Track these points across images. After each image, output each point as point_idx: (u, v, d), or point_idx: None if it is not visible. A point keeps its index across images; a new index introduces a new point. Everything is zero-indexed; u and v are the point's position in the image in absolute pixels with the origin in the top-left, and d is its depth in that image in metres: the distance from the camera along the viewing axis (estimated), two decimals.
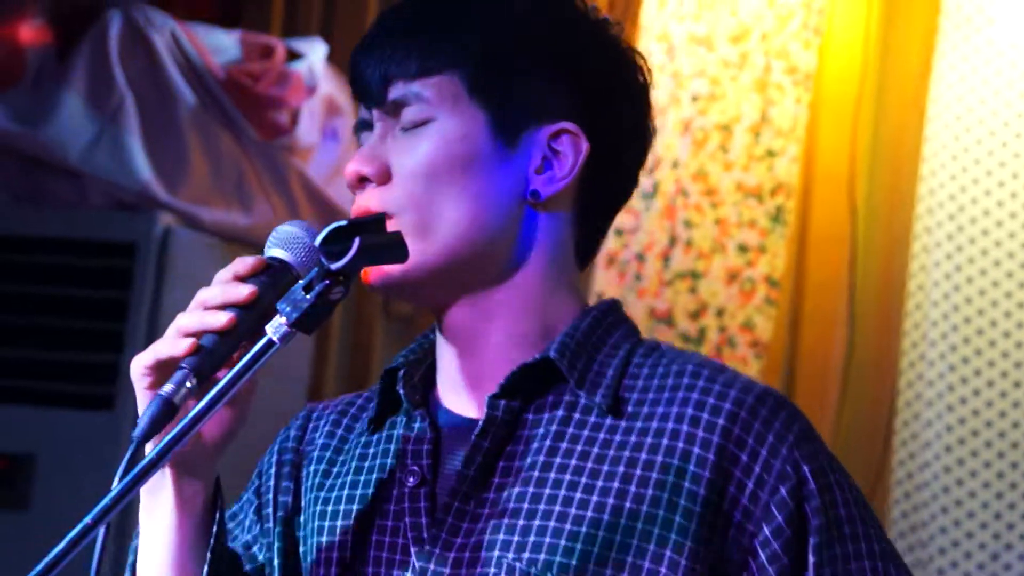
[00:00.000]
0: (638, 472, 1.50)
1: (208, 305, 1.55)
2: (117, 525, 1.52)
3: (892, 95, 3.64)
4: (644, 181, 3.74)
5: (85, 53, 3.53)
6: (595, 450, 1.52)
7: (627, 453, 1.51)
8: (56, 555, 1.43)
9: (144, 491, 1.59)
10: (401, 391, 1.61)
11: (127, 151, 3.50)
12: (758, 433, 1.52)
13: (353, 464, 1.64)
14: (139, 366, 1.56)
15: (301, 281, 1.51)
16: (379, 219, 1.53)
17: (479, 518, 1.52)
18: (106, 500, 1.46)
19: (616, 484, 1.50)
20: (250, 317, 1.53)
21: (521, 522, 1.50)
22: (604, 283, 3.75)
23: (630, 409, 1.54)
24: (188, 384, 1.51)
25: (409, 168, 1.55)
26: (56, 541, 1.44)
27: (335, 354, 4.14)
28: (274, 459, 1.72)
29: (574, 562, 1.47)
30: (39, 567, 1.43)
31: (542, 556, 1.48)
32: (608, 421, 1.53)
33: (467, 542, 1.52)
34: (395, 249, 1.52)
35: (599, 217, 1.64)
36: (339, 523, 1.61)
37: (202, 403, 1.50)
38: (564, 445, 1.53)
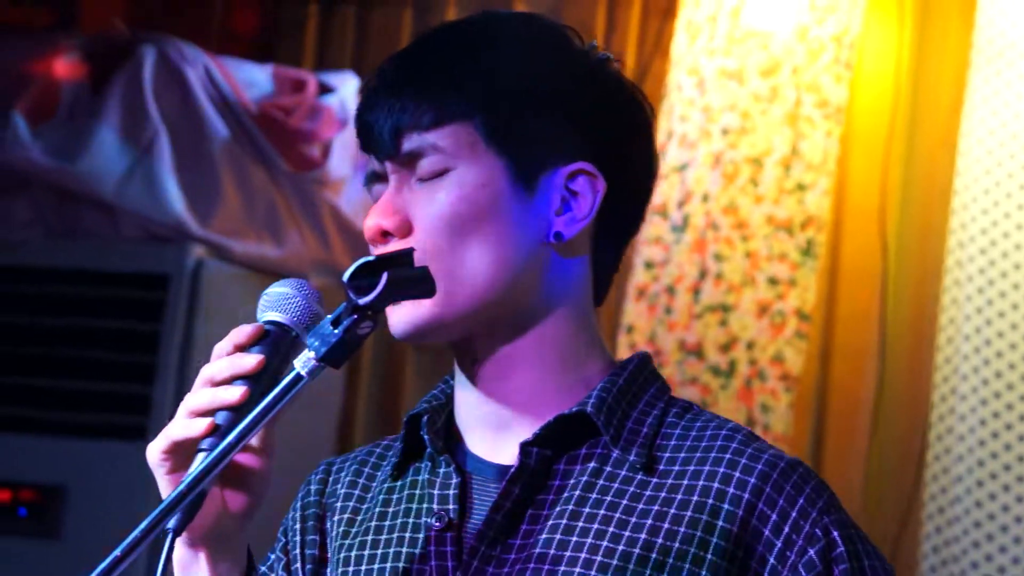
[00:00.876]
0: (666, 525, 1.50)
1: (216, 380, 1.54)
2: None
3: (923, 129, 3.64)
4: (674, 214, 3.74)
5: (119, 87, 3.55)
6: (624, 501, 1.51)
7: (656, 507, 1.51)
8: None
9: (178, 570, 1.59)
10: (426, 436, 1.61)
11: (160, 184, 3.52)
12: (788, 495, 1.51)
13: (377, 511, 1.63)
14: (155, 452, 1.56)
15: (329, 316, 1.52)
16: (407, 253, 1.53)
17: (505, 563, 1.52)
18: (136, 532, 1.46)
19: (644, 535, 1.49)
20: (260, 386, 1.53)
21: (547, 567, 1.50)
22: (634, 316, 3.76)
23: (662, 467, 1.53)
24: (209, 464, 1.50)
25: (431, 219, 1.55)
26: (87, 572, 1.44)
27: (366, 386, 4.15)
28: (298, 515, 1.72)
29: None
30: None
31: None
32: (640, 477, 1.53)
33: None
34: (422, 283, 1.52)
35: (612, 254, 1.63)
36: (363, 568, 1.60)
37: (230, 437, 1.50)
38: (594, 496, 1.52)
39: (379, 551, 1.60)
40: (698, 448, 1.54)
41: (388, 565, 1.58)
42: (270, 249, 3.65)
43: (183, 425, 1.54)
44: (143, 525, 1.47)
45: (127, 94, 3.54)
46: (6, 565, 3.47)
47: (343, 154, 3.73)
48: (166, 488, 1.55)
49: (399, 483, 1.63)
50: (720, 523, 1.49)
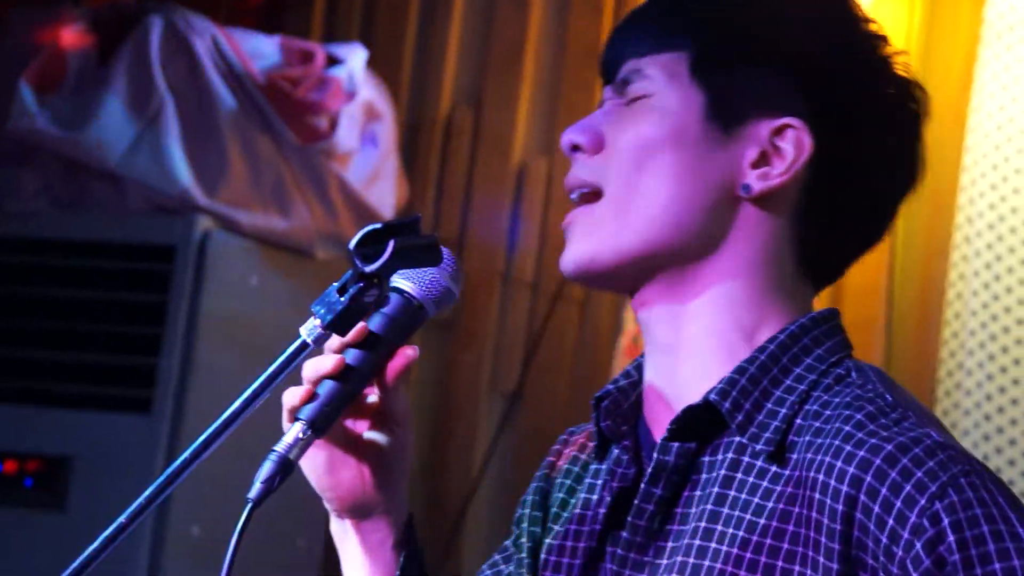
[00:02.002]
0: (774, 524, 1.41)
1: (330, 348, 1.52)
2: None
3: (933, 103, 3.63)
4: None
5: (126, 58, 3.54)
6: (755, 500, 1.43)
7: (776, 504, 1.42)
8: (90, 554, 1.44)
9: (336, 541, 1.59)
10: (601, 424, 1.54)
11: (167, 155, 3.51)
12: (894, 483, 1.37)
13: (582, 496, 1.58)
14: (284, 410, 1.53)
15: (335, 284, 1.52)
16: (414, 221, 1.52)
17: (657, 569, 1.45)
18: (141, 499, 1.46)
19: (769, 540, 1.41)
20: (370, 357, 1.51)
21: None
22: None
23: (793, 456, 1.43)
24: (301, 436, 1.48)
25: (620, 140, 1.51)
26: (92, 543, 1.44)
27: None
28: (531, 487, 1.65)
29: None
30: (73, 565, 1.43)
31: None
32: (773, 468, 1.43)
33: None
34: (430, 251, 1.52)
35: (831, 233, 1.52)
36: (552, 558, 1.56)
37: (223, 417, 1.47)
38: (731, 493, 1.44)
39: (567, 542, 1.55)
40: (821, 432, 1.42)
41: (565, 560, 1.54)
42: (277, 221, 3.65)
43: (291, 391, 1.52)
44: (148, 492, 1.47)
45: (134, 64, 3.54)
46: (12, 536, 3.47)
47: (350, 126, 3.72)
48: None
49: (604, 466, 1.57)
50: (826, 521, 1.38)
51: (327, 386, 1.50)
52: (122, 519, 1.46)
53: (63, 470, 3.49)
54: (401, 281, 1.54)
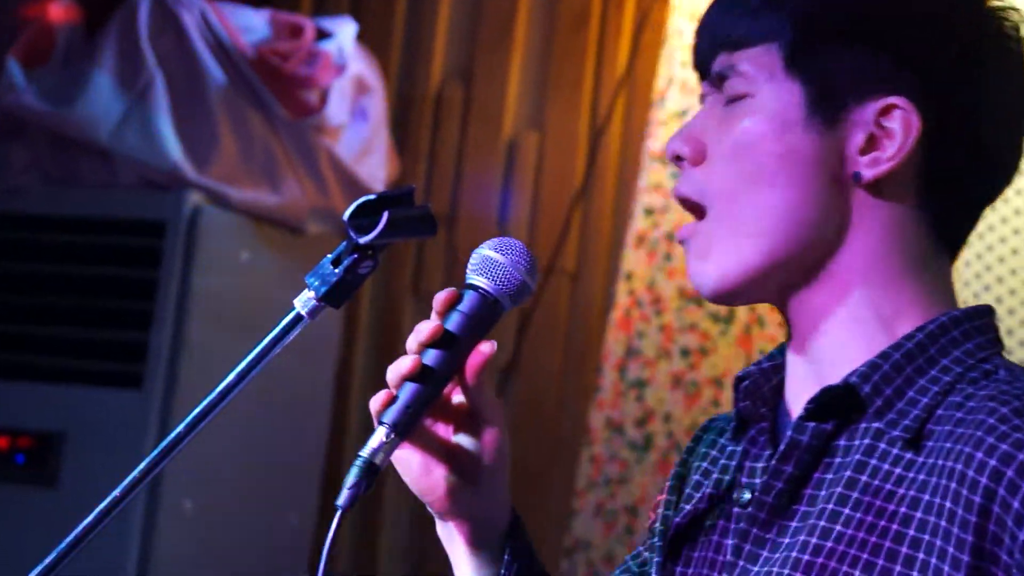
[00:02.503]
0: (918, 514, 1.37)
1: (409, 349, 1.50)
2: None
3: None
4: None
5: (114, 32, 3.53)
6: (887, 486, 1.40)
7: (913, 492, 1.38)
8: (84, 528, 1.44)
9: (444, 543, 1.57)
10: (739, 404, 1.52)
11: (156, 130, 3.50)
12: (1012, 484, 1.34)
13: (715, 476, 1.55)
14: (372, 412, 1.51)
15: (329, 255, 1.51)
16: (408, 192, 1.51)
17: (779, 547, 1.43)
18: (135, 472, 1.46)
19: (895, 526, 1.38)
20: (448, 356, 1.49)
21: (806, 558, 1.40)
22: (633, 263, 3.75)
23: (930, 444, 1.39)
24: (385, 440, 1.46)
25: (721, 149, 1.46)
26: (84, 518, 1.44)
27: (363, 333, 4.14)
28: (671, 473, 1.63)
29: None
30: (68, 538, 1.43)
31: None
32: (908, 456, 1.40)
33: (761, 571, 1.43)
34: (424, 222, 1.51)
35: (958, 200, 1.47)
36: (680, 534, 1.54)
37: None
38: (863, 479, 1.41)
39: (699, 521, 1.54)
40: (963, 422, 1.38)
41: (697, 532, 1.53)
42: (267, 196, 3.64)
43: (376, 395, 1.50)
44: (142, 465, 1.46)
45: (122, 39, 3.52)
46: (4, 512, 3.47)
47: (341, 100, 3.71)
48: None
49: (740, 447, 1.54)
50: (960, 511, 1.35)
51: (407, 388, 1.48)
52: (116, 493, 1.45)
53: (54, 446, 3.49)
54: (476, 277, 1.52)
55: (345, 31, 3.76)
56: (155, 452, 1.47)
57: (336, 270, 1.49)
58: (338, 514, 1.44)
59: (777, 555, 1.43)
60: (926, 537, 1.37)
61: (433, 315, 1.51)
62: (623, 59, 4.01)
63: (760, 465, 1.48)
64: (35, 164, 3.60)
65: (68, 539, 1.44)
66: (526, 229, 4.07)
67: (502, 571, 1.55)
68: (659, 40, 3.86)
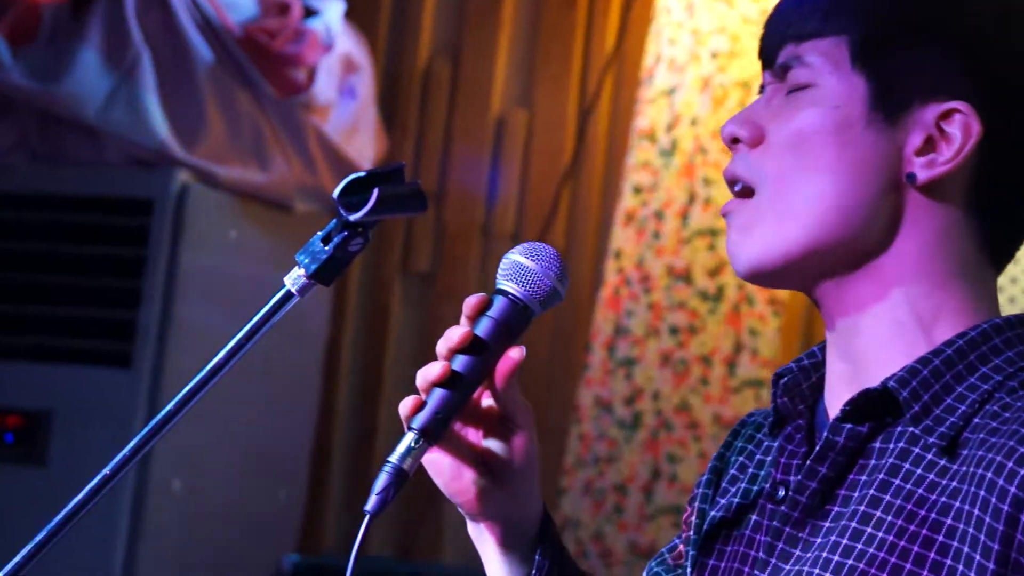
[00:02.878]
0: (945, 520, 1.37)
1: (440, 355, 1.50)
2: None
3: None
4: (663, 139, 3.72)
5: (101, 9, 3.52)
6: (919, 491, 1.40)
7: (944, 498, 1.38)
8: (74, 506, 1.43)
9: (475, 543, 1.57)
10: (778, 400, 1.52)
11: (144, 108, 3.49)
12: None
13: (751, 471, 1.56)
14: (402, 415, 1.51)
15: (320, 233, 1.50)
16: (398, 169, 1.50)
17: (810, 547, 1.43)
18: (125, 451, 1.45)
19: (924, 531, 1.37)
20: (477, 362, 1.48)
21: (836, 559, 1.40)
22: (622, 241, 3.74)
23: (965, 452, 1.39)
24: (414, 445, 1.45)
25: (779, 134, 1.46)
26: (72, 497, 1.43)
27: (352, 312, 4.14)
28: (708, 467, 1.63)
29: None
30: (58, 517, 1.42)
31: None
32: (942, 462, 1.40)
33: (792, 570, 1.43)
34: (414, 199, 1.50)
35: (1010, 213, 1.47)
36: (714, 529, 1.54)
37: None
38: (896, 482, 1.41)
39: (728, 515, 1.54)
40: (997, 431, 1.37)
41: (731, 528, 1.53)
42: (255, 174, 3.63)
43: (402, 404, 1.49)
44: (132, 443, 1.46)
45: (109, 16, 3.51)
46: None
47: (328, 78, 3.71)
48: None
49: (776, 443, 1.53)
50: (988, 519, 1.35)
51: (436, 394, 1.47)
52: (106, 471, 1.44)
53: (43, 424, 3.48)
54: (506, 283, 1.51)
55: (333, 9, 3.75)
56: (145, 430, 1.46)
57: (326, 248, 1.48)
58: (366, 520, 1.44)
59: (809, 555, 1.43)
60: (954, 544, 1.37)
61: (463, 320, 1.51)
62: (611, 37, 4.01)
63: (796, 463, 1.48)
64: (22, 142, 3.59)
65: (58, 517, 1.43)
66: (514, 207, 4.07)
67: (533, 571, 1.55)
68: (647, 18, 3.86)
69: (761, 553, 1.47)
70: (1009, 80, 1.46)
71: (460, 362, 1.48)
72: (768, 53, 1.51)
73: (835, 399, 1.49)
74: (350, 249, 1.49)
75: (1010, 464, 1.35)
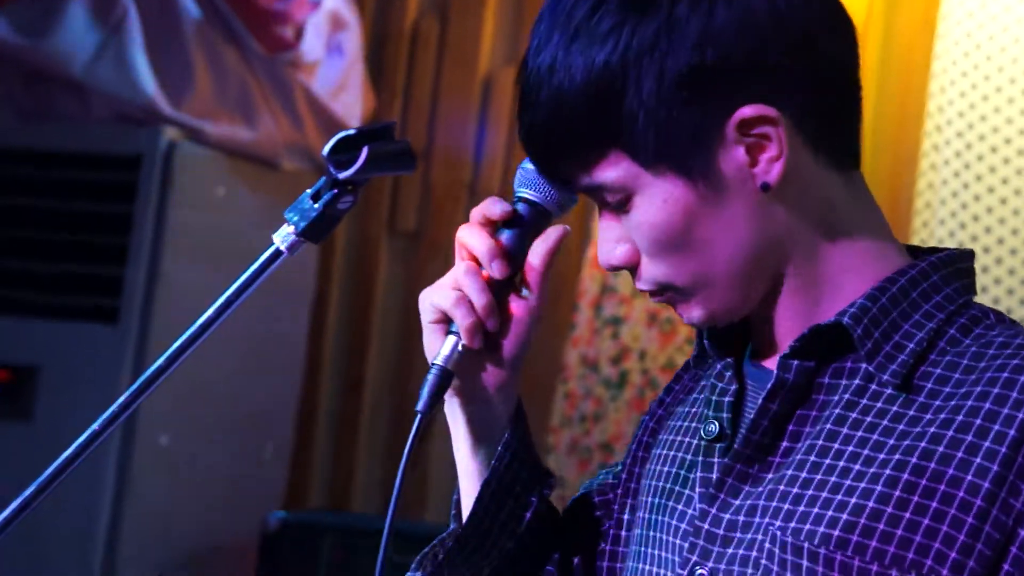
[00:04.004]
0: (922, 445, 1.40)
1: (479, 255, 1.54)
2: None
3: (902, 10, 3.61)
4: None
5: None
6: (884, 422, 1.43)
7: (918, 429, 1.41)
8: (63, 460, 1.44)
9: (448, 418, 1.60)
10: (705, 341, 1.57)
11: (131, 64, 3.48)
12: None
13: (686, 409, 1.61)
14: (424, 301, 1.55)
15: (309, 191, 1.51)
16: (388, 127, 1.51)
17: (761, 482, 1.47)
18: (115, 407, 1.46)
19: (897, 456, 1.40)
20: (511, 266, 1.54)
21: (795, 491, 1.44)
22: None
23: (929, 386, 1.43)
24: (460, 349, 1.52)
25: (646, 247, 1.50)
26: (59, 452, 1.44)
27: (339, 270, 4.15)
28: (652, 403, 1.68)
29: (836, 532, 1.40)
30: (47, 471, 1.43)
31: (806, 526, 1.41)
32: (903, 396, 1.44)
33: (743, 504, 1.47)
34: (403, 157, 1.51)
35: (837, 129, 1.50)
36: (651, 467, 1.59)
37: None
38: (853, 415, 1.44)
39: (668, 453, 1.58)
40: (974, 369, 1.43)
41: (666, 469, 1.57)
42: (243, 131, 3.63)
43: (445, 297, 1.54)
44: (122, 399, 1.46)
45: None
46: None
47: (316, 35, 3.70)
48: (426, 335, 1.55)
49: (703, 383, 1.60)
50: (979, 460, 1.38)
51: (476, 295, 1.54)
52: (95, 426, 1.45)
53: (30, 379, 3.49)
54: (524, 191, 1.55)
55: None
56: (135, 385, 1.47)
57: (316, 205, 1.49)
58: (418, 418, 1.50)
59: (761, 488, 1.46)
60: (932, 465, 1.40)
61: (481, 231, 1.55)
62: None
63: (728, 400, 1.52)
64: (8, 98, 3.58)
65: (48, 472, 1.44)
66: (501, 166, 4.06)
67: (494, 462, 1.57)
68: None
69: (711, 489, 1.49)
70: (755, 65, 1.46)
71: (505, 237, 1.54)
72: (561, 183, 1.53)
73: (758, 342, 1.53)
74: (339, 207, 1.50)
75: (1005, 410, 1.39)
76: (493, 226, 1.56)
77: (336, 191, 1.49)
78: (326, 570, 3.45)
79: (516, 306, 1.57)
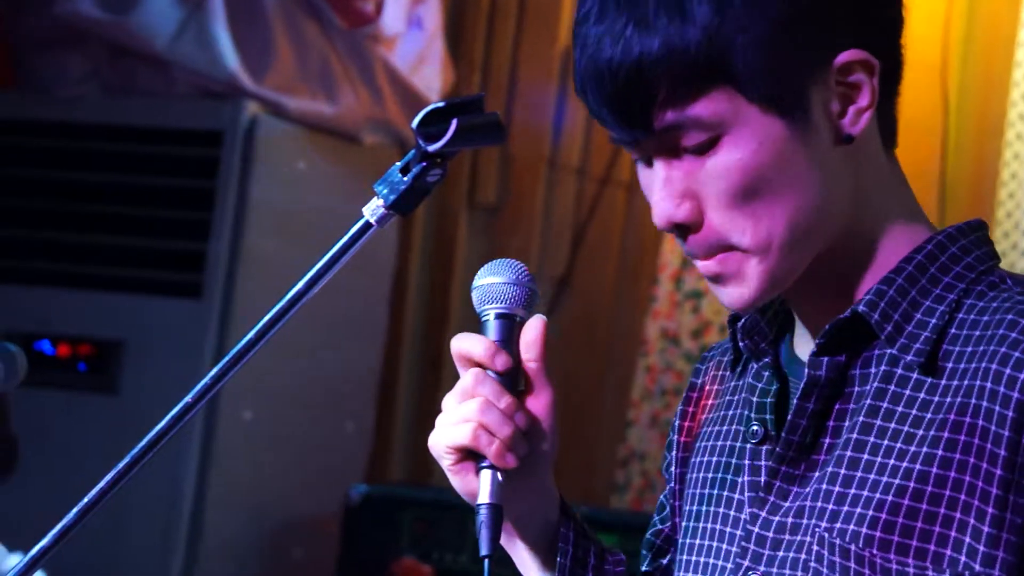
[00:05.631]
0: (946, 435, 1.38)
1: (476, 393, 1.51)
2: None
3: (980, 20, 3.57)
4: None
5: None
6: (913, 412, 1.41)
7: (940, 415, 1.39)
8: (156, 433, 1.44)
9: (505, 546, 1.59)
10: (740, 344, 1.53)
11: (213, 39, 3.50)
12: None
13: (720, 413, 1.58)
14: (438, 448, 1.53)
15: (398, 163, 1.50)
16: (477, 100, 1.50)
17: (808, 481, 1.45)
18: (207, 379, 1.47)
19: (925, 449, 1.39)
20: (510, 382, 1.52)
21: (837, 489, 1.42)
22: None
23: (950, 365, 1.41)
24: (500, 479, 1.49)
25: (719, 199, 1.44)
26: (144, 425, 1.44)
27: (419, 243, 4.15)
28: (677, 411, 1.65)
29: (878, 533, 1.38)
30: (141, 444, 1.44)
31: (850, 527, 1.40)
32: (929, 380, 1.41)
33: (792, 507, 1.45)
34: (492, 130, 1.50)
35: (894, 101, 1.48)
36: (695, 476, 1.57)
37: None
38: (884, 405, 1.42)
39: (710, 459, 1.56)
40: (983, 339, 1.40)
41: (710, 475, 1.55)
42: (324, 106, 3.64)
43: (461, 433, 1.51)
44: (214, 371, 1.47)
45: None
46: (67, 418, 3.51)
47: (396, 9, 3.70)
48: (450, 477, 1.54)
49: (741, 382, 1.56)
50: (994, 427, 1.37)
51: (497, 427, 1.51)
52: (188, 399, 1.46)
53: (115, 354, 3.52)
54: (488, 306, 1.54)
55: None
56: (227, 358, 1.47)
57: (404, 178, 1.48)
58: (487, 564, 1.47)
59: (808, 489, 1.45)
60: (957, 456, 1.38)
61: (472, 335, 1.53)
62: None
63: (769, 401, 1.50)
64: (93, 73, 3.60)
65: (139, 446, 1.45)
66: (581, 138, 4.05)
67: (558, 558, 1.57)
68: None
69: (760, 493, 1.48)
70: (863, 11, 1.45)
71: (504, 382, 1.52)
72: (632, 122, 1.46)
73: (799, 334, 1.50)
74: (428, 179, 1.49)
75: (1007, 371, 1.37)
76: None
77: (425, 164, 1.48)
78: (407, 543, 3.46)
79: (531, 404, 1.53)
